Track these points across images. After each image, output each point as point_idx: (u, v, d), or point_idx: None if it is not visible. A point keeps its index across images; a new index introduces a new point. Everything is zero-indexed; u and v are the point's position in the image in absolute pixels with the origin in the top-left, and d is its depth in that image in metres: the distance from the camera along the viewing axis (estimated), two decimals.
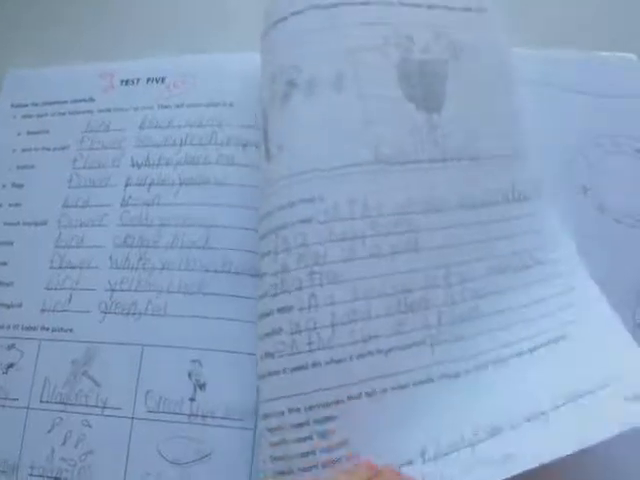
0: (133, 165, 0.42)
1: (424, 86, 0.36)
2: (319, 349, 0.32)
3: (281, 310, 0.33)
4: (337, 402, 0.32)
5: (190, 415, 0.36)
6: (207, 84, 0.44)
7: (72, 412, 0.37)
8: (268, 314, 0.34)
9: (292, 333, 0.33)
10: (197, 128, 0.42)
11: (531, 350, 0.35)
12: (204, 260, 0.39)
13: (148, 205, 0.41)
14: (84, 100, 0.45)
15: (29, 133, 0.45)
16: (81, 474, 0.36)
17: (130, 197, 0.41)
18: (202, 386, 0.37)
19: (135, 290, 0.39)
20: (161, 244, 0.40)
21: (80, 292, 0.40)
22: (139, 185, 0.42)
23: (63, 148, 0.44)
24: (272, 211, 0.34)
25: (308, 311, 0.33)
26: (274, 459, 0.32)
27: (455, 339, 0.34)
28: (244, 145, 0.41)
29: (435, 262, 0.35)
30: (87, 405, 0.37)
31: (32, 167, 0.44)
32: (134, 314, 0.38)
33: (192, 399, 0.36)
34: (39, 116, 0.45)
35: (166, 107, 0.44)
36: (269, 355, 0.33)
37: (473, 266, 0.35)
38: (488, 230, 0.36)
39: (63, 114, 0.45)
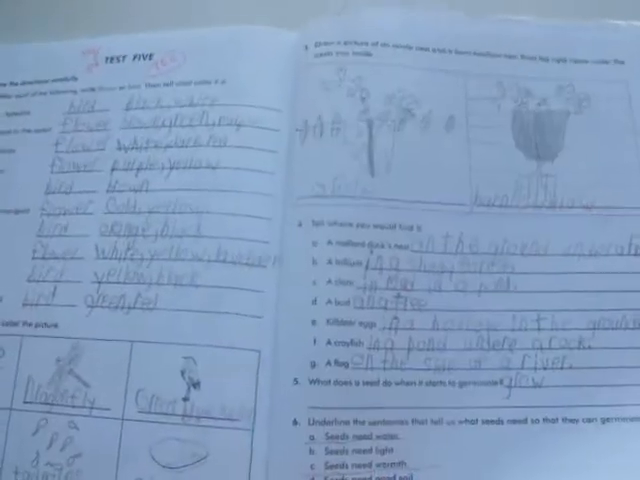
0: (120, 148, 0.40)
1: (538, 136, 0.39)
2: (392, 369, 0.34)
3: (364, 324, 0.35)
4: (401, 422, 0.34)
5: (184, 416, 0.34)
6: (198, 60, 0.42)
7: (58, 413, 0.35)
8: (348, 323, 0.35)
9: (370, 348, 0.34)
10: (187, 108, 0.40)
11: (603, 420, 0.35)
12: (196, 249, 0.37)
13: (136, 191, 0.39)
14: (66, 79, 0.43)
15: (8, 114, 0.42)
16: (68, 479, 0.34)
17: (117, 182, 0.39)
18: (196, 385, 0.35)
19: (123, 282, 0.37)
20: (150, 232, 0.38)
21: (65, 284, 0.37)
22: (126, 170, 0.39)
23: (45, 130, 0.41)
24: (368, 224, 0.36)
25: (389, 331, 0.35)
26: (329, 467, 0.33)
27: (534, 385, 0.35)
28: (238, 125, 0.39)
29: (527, 305, 0.36)
30: (74, 406, 0.35)
31: (12, 151, 0.41)
32: (122, 308, 0.36)
33: (185, 399, 0.34)
34: (18, 96, 0.43)
35: (154, 86, 0.41)
36: (342, 364, 0.34)
37: (570, 315, 0.36)
38: (594, 281, 0.36)
39: (44, 94, 0.42)
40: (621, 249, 0.37)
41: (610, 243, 0.37)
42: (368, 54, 0.40)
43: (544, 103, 0.40)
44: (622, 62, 0.41)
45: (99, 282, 0.37)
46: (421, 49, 0.41)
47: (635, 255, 0.37)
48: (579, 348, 0.35)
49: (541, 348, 0.35)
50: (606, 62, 0.41)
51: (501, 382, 0.35)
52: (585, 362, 0.35)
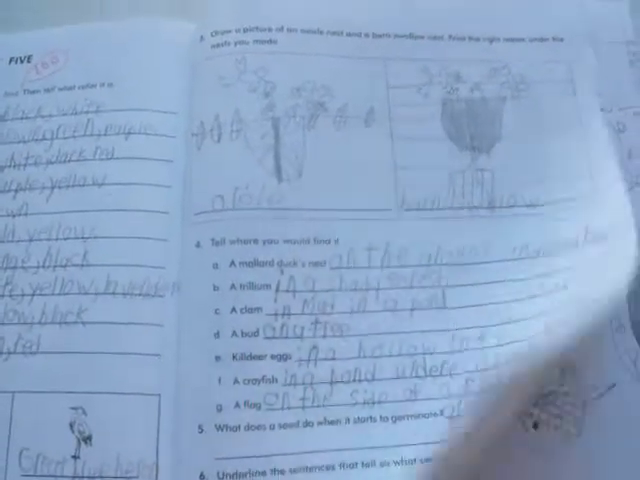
0: None
1: (472, 126, 0.35)
2: (313, 407, 0.30)
3: (277, 357, 0.31)
4: (327, 468, 0.30)
5: (74, 477, 0.29)
6: (81, 61, 0.37)
7: None
8: (258, 357, 0.31)
9: (286, 385, 0.30)
10: (70, 117, 0.35)
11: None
12: (83, 281, 0.32)
13: (14, 216, 0.34)
14: None
15: None
16: None
17: None
18: (87, 439, 0.30)
19: (1, 323, 0.32)
20: (31, 264, 0.33)
21: None
22: (2, 192, 0.34)
23: None
24: (277, 240, 0.32)
25: (307, 364, 0.31)
26: None
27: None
28: (127, 133, 0.35)
29: (467, 322, 0.32)
30: None
31: None
32: (1, 354, 0.31)
33: (75, 456, 0.30)
34: None
35: (34, 92, 0.36)
36: (253, 405, 0.30)
37: (520, 326, 0.31)
38: (545, 285, 0.32)
39: None
40: (574, 243, 0.33)
41: (561, 239, 0.33)
42: (272, 41, 0.36)
43: (477, 88, 0.36)
44: (561, 39, 0.38)
45: None
46: (333, 34, 0.36)
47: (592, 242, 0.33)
48: None
49: (486, 370, 0.31)
50: (544, 40, 0.38)
51: (442, 413, 0.30)
52: None
